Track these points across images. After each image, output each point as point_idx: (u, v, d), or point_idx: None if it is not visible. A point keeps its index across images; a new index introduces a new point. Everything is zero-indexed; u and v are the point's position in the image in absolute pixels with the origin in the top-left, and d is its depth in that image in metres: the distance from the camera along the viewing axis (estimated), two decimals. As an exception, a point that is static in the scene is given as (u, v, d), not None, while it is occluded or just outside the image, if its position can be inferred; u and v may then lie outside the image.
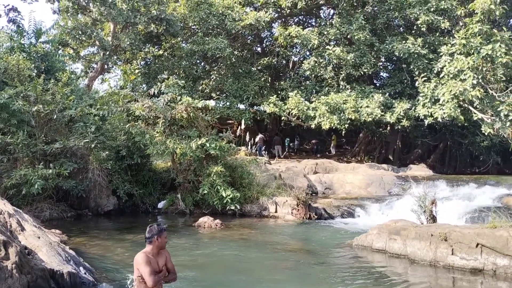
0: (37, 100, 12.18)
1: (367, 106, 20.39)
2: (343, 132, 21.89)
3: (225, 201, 12.59)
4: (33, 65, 14.36)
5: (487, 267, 6.93)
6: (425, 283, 6.71)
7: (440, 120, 18.50)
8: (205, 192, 12.75)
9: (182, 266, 6.97)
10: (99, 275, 6.20)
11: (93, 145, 12.24)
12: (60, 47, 21.08)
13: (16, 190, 11.07)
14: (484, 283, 6.60)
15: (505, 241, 6.82)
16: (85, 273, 5.79)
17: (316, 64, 23.02)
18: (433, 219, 9.02)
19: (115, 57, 22.58)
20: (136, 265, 4.33)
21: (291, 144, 29.59)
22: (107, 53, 20.40)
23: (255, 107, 26.55)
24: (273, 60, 26.63)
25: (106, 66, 22.50)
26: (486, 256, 6.99)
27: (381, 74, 28.34)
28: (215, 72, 26.18)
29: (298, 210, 12.72)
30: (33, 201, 11.56)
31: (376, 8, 23.63)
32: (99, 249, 8.15)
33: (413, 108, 20.38)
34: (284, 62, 27.54)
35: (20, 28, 16.34)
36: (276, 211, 13.11)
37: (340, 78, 23.50)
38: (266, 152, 24.24)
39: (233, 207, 12.70)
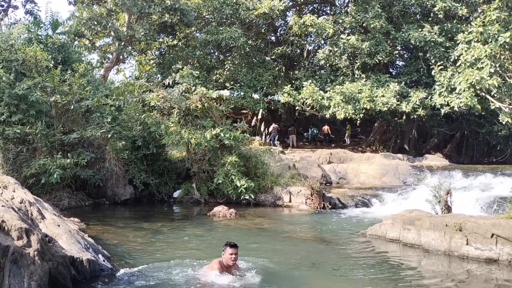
0: (55, 91, 12.39)
1: (383, 96, 20.23)
2: (358, 121, 21.78)
3: (239, 191, 12.70)
4: (50, 56, 14.57)
5: (502, 257, 6.90)
6: (440, 272, 6.72)
7: (457, 109, 18.28)
8: (220, 181, 12.88)
9: (196, 254, 7.10)
10: (117, 262, 6.36)
11: (109, 135, 12.43)
12: (76, 38, 21.32)
13: (35, 180, 11.33)
14: (499, 273, 6.58)
15: (521, 232, 6.77)
16: (103, 260, 5.94)
17: (331, 53, 22.86)
18: (448, 209, 8.97)
19: (130, 47, 22.77)
20: None
21: (305, 134, 29.53)
22: (122, 43, 20.58)
23: (269, 97, 26.56)
24: (287, 50, 26.52)
25: (121, 57, 22.71)
26: (501, 247, 6.96)
27: (397, 62, 28.02)
28: (229, 62, 26.20)
29: (312, 199, 12.77)
30: (52, 190, 11.82)
31: (392, -5, 23.31)
32: (117, 237, 8.33)
33: (429, 97, 20.16)
34: (298, 51, 27.41)
35: (37, 20, 16.60)
36: (290, 201, 13.18)
37: (355, 67, 23.31)
38: (279, 143, 24.26)
39: (247, 197, 12.80)
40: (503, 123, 17.89)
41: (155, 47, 26.33)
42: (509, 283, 6.22)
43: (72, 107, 12.54)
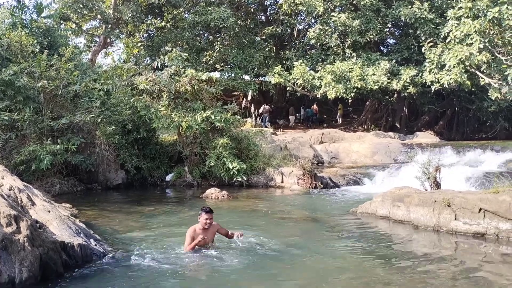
0: (42, 76, 12.23)
1: (373, 74, 20.20)
2: (350, 101, 21.78)
3: (231, 173, 12.73)
4: (35, 40, 14.34)
5: (490, 231, 7.03)
6: (429, 247, 6.84)
7: (447, 86, 18.32)
8: (212, 164, 12.89)
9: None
10: (109, 247, 6.38)
11: (99, 120, 12.34)
12: (61, 21, 20.94)
13: (26, 166, 11.27)
14: (486, 247, 6.71)
15: (507, 206, 6.88)
16: (95, 245, 5.97)
17: (321, 32, 22.69)
18: (437, 185, 9.08)
19: (117, 30, 22.42)
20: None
21: (297, 114, 29.55)
22: (109, 26, 20.27)
23: (260, 78, 26.41)
24: (278, 29, 26.27)
25: (108, 40, 22.38)
26: (488, 221, 7.08)
27: (388, 40, 27.90)
28: (218, 43, 25.93)
29: (304, 179, 12.85)
30: (43, 176, 11.77)
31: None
32: (109, 222, 8.35)
33: (419, 75, 20.16)
34: (288, 30, 27.18)
35: (21, 4, 16.24)
36: (282, 181, 13.26)
37: (346, 46, 23.19)
38: (270, 124, 24.24)
39: (239, 179, 12.85)
40: (493, 99, 17.99)
41: (143, 29, 25.95)
42: (496, 255, 6.35)
43: (60, 92, 12.40)
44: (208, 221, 6.15)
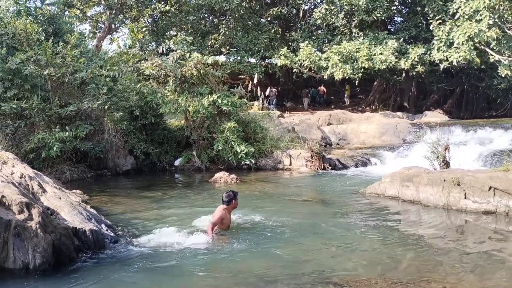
0: (48, 63, 12.24)
1: (381, 53, 19.94)
2: (357, 81, 21.58)
3: (239, 156, 12.76)
4: (40, 28, 14.31)
5: (500, 209, 7.00)
6: (438, 225, 6.84)
7: (456, 64, 18.05)
8: (220, 148, 12.92)
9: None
10: (120, 232, 6.46)
11: (106, 107, 12.37)
12: (66, 8, 20.85)
13: (36, 154, 11.37)
14: (497, 224, 6.70)
15: (518, 184, 6.84)
16: (106, 230, 6.04)
17: (328, 12, 22.38)
18: (446, 164, 9.03)
19: (122, 15, 22.28)
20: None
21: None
22: (113, 12, 20.15)
23: (266, 60, 26.20)
24: (283, 10, 25.92)
25: (113, 26, 22.29)
26: (498, 199, 7.05)
27: (395, 19, 27.44)
28: (223, 26, 25.68)
29: (312, 161, 12.84)
30: (53, 163, 11.87)
31: None
32: (120, 207, 8.44)
33: (428, 53, 19.87)
34: (294, 11, 26.81)
35: (25, -9, 16.16)
36: (290, 164, 13.26)
37: (353, 26, 22.86)
38: (275, 106, 24.13)
39: (248, 162, 12.87)
40: (503, 76, 17.72)
41: (147, 14, 25.74)
42: (507, 232, 6.34)
43: (67, 79, 12.41)
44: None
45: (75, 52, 12.96)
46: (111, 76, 13.23)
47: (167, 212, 7.99)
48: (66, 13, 20.89)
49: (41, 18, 15.82)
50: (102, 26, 23.84)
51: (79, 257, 5.24)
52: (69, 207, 6.09)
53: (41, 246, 4.73)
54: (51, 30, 15.72)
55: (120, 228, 6.68)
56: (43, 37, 13.81)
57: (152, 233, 6.32)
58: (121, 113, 12.69)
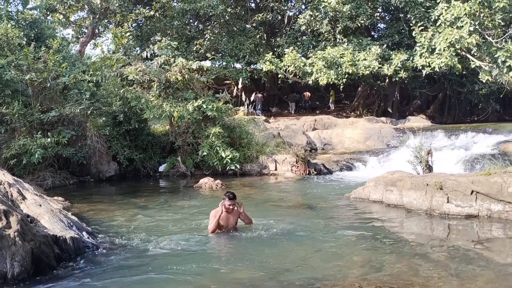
0: (29, 68, 12.06)
1: (364, 59, 20.14)
2: (341, 87, 21.73)
3: (225, 162, 12.71)
4: (22, 33, 14.11)
5: (482, 213, 7.08)
6: (421, 230, 6.89)
7: (438, 70, 18.31)
8: (205, 153, 12.86)
9: (182, 227, 7.13)
10: (102, 239, 6.35)
11: (89, 112, 12.23)
12: (48, 13, 20.61)
13: (16, 160, 11.17)
14: (479, 227, 6.77)
15: (499, 187, 6.93)
16: (88, 237, 5.93)
17: (312, 18, 22.55)
18: (429, 169, 9.13)
19: (105, 20, 22.11)
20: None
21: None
22: (97, 16, 19.98)
23: (251, 66, 26.24)
24: (268, 16, 26.04)
25: (97, 31, 22.09)
26: (481, 203, 7.13)
27: (379, 25, 27.79)
28: (209, 32, 25.67)
29: (298, 166, 12.87)
30: (35, 170, 11.68)
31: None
32: (102, 214, 8.31)
33: (410, 59, 20.13)
34: (279, 17, 26.95)
35: (6, -5, 15.93)
36: (276, 169, 13.26)
37: (337, 32, 23.06)
38: (261, 112, 24.18)
39: (233, 167, 12.83)
40: (483, 81, 18.02)
41: (131, 19, 25.55)
42: (489, 236, 6.41)
43: (49, 84, 12.27)
44: (231, 207, 6.48)
45: (57, 57, 12.82)
46: (94, 81, 13.10)
47: (150, 218, 7.89)
48: (49, 17, 20.64)
49: (22, 22, 15.61)
50: (86, 31, 23.61)
51: (60, 265, 5.12)
52: (49, 214, 5.97)
53: (19, 255, 4.61)
54: (33, 35, 15.51)
55: (102, 235, 6.56)
56: (24, 42, 13.62)
57: (134, 240, 6.22)
58: (104, 119, 12.55)
